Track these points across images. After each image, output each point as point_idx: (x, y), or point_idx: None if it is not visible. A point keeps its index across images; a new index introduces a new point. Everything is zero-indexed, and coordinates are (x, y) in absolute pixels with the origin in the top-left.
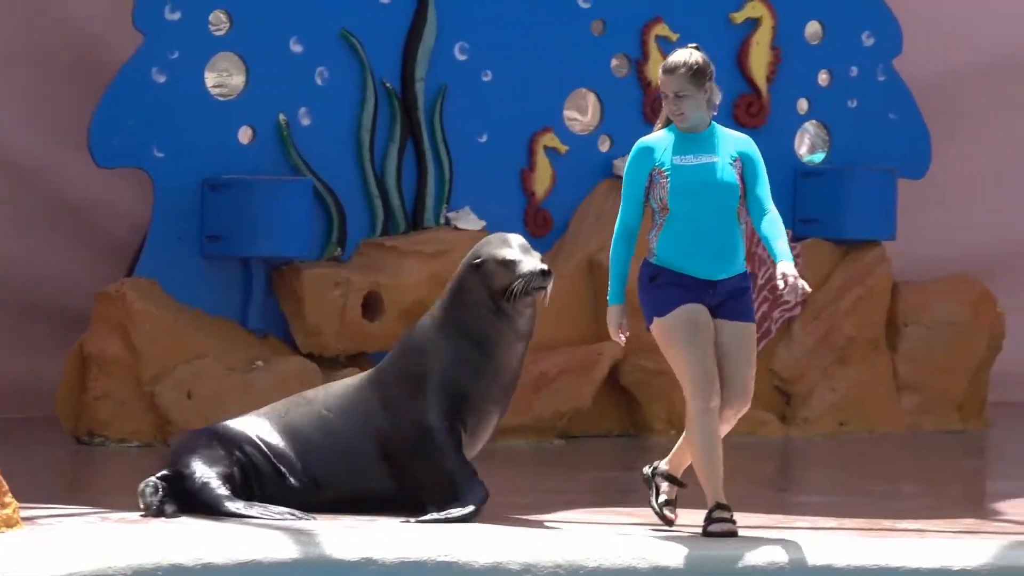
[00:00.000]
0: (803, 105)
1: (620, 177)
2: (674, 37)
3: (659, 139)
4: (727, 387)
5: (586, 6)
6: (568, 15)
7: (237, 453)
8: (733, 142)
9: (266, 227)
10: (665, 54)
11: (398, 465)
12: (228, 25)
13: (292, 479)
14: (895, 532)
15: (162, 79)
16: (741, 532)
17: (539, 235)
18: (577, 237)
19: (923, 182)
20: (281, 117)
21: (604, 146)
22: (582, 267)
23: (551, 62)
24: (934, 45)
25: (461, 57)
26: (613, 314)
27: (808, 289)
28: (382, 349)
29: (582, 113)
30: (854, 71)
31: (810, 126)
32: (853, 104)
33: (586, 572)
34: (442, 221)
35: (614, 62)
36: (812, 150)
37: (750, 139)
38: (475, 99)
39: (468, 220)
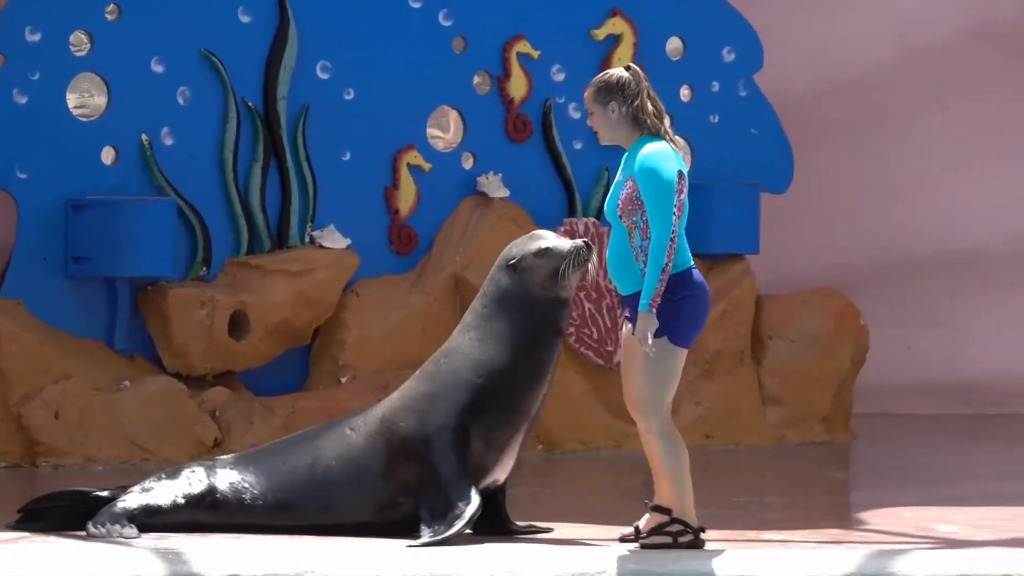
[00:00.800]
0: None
1: (483, 194)
2: (535, 54)
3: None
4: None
5: (447, 24)
6: (429, 33)
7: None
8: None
9: (131, 247)
10: (526, 71)
11: (402, 474)
12: (89, 46)
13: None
14: (760, 543)
15: (23, 100)
16: (605, 545)
17: (404, 253)
18: (443, 254)
19: (786, 196)
20: (144, 137)
21: (468, 163)
22: (448, 283)
23: (413, 80)
24: (795, 61)
25: (323, 76)
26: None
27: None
28: (249, 366)
29: (445, 131)
30: (715, 86)
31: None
32: (715, 119)
33: None
34: (307, 239)
35: (476, 79)
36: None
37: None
38: (338, 117)
39: (333, 238)
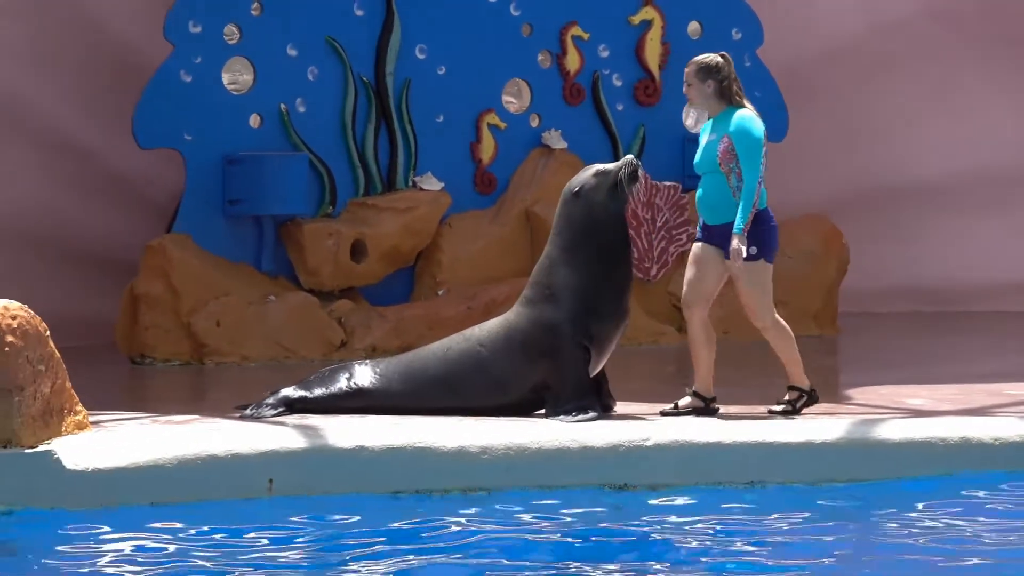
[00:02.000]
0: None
1: (547, 146)
2: (586, 36)
3: None
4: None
5: (516, 14)
6: (503, 21)
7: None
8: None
9: (273, 192)
10: (579, 49)
11: (529, 370)
12: (239, 36)
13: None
14: (769, 416)
15: (188, 79)
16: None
17: (486, 193)
18: (516, 194)
19: (783, 144)
20: (282, 106)
21: (534, 122)
22: (521, 217)
23: (491, 58)
24: (788, 36)
25: (421, 56)
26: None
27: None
28: (367, 283)
29: (516, 97)
30: None
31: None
32: None
33: (530, 452)
34: (410, 184)
35: (540, 57)
36: (696, 123)
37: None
38: (433, 88)
39: (430, 182)
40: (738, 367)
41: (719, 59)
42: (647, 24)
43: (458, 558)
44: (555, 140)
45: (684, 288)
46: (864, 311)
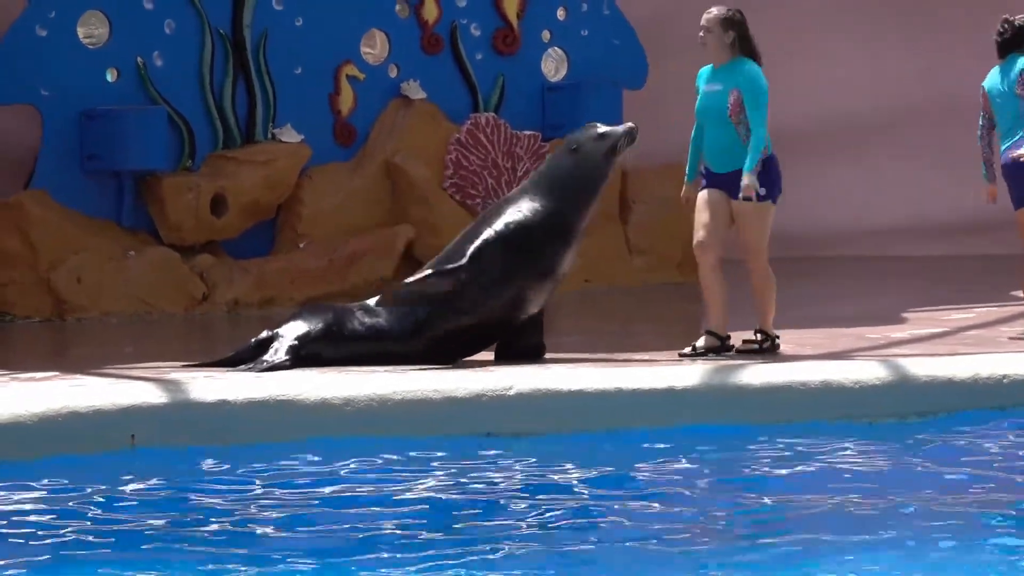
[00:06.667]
0: (546, 35)
1: (406, 97)
2: None
3: None
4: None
5: None
6: None
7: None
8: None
9: (131, 146)
10: (438, 0)
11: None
12: None
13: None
14: (631, 362)
15: (44, 33)
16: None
17: (346, 144)
18: (376, 145)
19: (644, 92)
20: (139, 60)
21: (393, 73)
22: (381, 168)
23: (349, 9)
24: None
25: (278, 7)
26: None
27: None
28: (228, 237)
29: (374, 48)
30: (584, 7)
31: (553, 51)
32: (585, 33)
33: (393, 403)
34: (269, 136)
35: (397, 7)
36: (555, 70)
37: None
38: (290, 40)
39: (290, 135)
40: (600, 317)
41: (738, 15)
42: None
43: (317, 509)
44: (414, 90)
45: (698, 232)
46: (725, 258)
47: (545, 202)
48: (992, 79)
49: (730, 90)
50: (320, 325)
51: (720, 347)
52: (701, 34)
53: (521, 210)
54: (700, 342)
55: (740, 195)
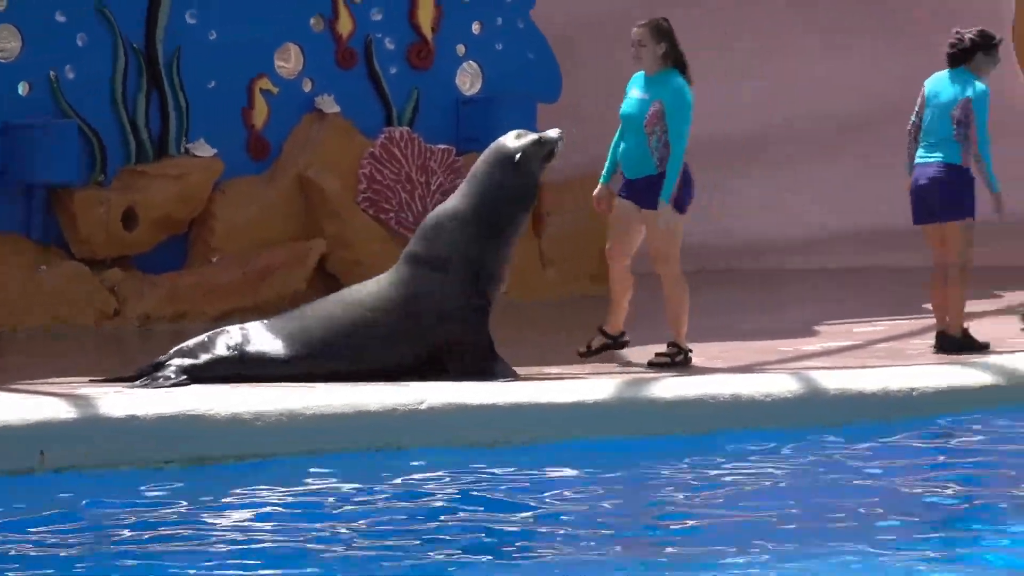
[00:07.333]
0: (461, 49)
1: (320, 111)
2: (358, 0)
3: None
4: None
5: None
6: None
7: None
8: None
9: (43, 160)
10: (351, 13)
11: (427, 337)
12: (5, 3)
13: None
14: (544, 376)
15: None
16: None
17: (259, 158)
18: (289, 159)
19: (560, 105)
20: (52, 73)
21: (307, 87)
22: (295, 182)
23: (263, 22)
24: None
25: (192, 21)
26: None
27: None
28: (139, 251)
29: (288, 62)
30: (499, 21)
31: (467, 65)
32: (500, 47)
33: (304, 418)
34: (182, 150)
35: (312, 20)
36: (470, 84)
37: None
38: (204, 54)
39: (203, 149)
40: (518, 327)
41: (666, 21)
42: None
43: (230, 526)
44: (328, 105)
45: (608, 240)
46: (638, 271)
47: (492, 212)
48: (936, 85)
49: (653, 101)
50: (224, 344)
51: (612, 344)
52: (633, 48)
53: (479, 224)
54: (595, 342)
55: (659, 223)
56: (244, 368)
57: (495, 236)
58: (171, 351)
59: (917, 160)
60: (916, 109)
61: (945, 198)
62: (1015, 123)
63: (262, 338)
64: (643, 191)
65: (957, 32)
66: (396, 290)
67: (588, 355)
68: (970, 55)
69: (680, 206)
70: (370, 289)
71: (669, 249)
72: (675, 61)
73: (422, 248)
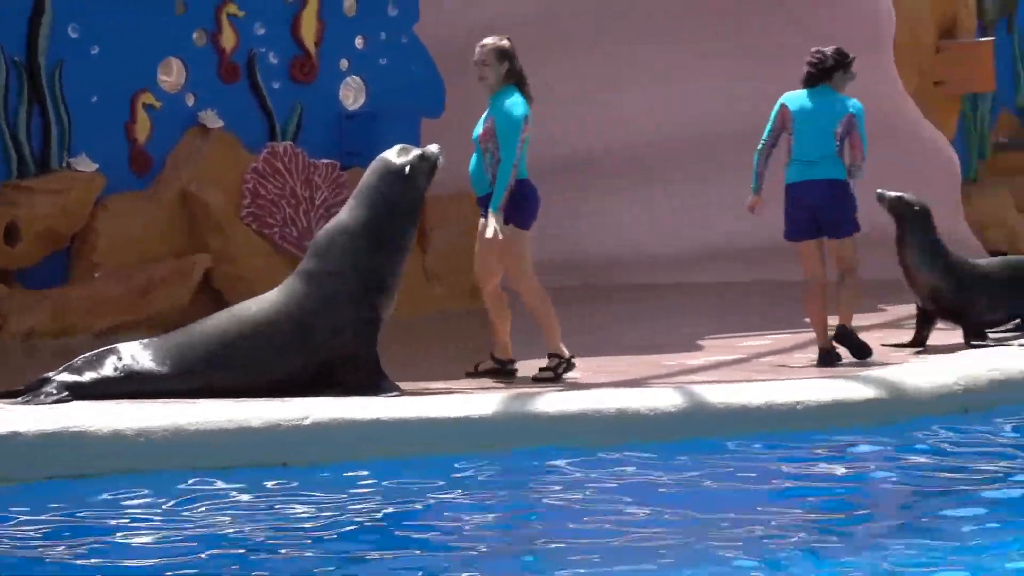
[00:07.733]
0: (344, 64)
1: (203, 125)
2: (241, 14)
3: None
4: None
5: None
6: None
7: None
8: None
9: None
10: (235, 28)
11: (320, 351)
12: None
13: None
14: (430, 391)
15: None
16: (314, 399)
17: (142, 173)
18: (172, 174)
19: (444, 120)
20: None
21: (190, 102)
22: (178, 196)
23: (145, 37)
24: (446, 12)
25: (74, 35)
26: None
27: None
28: (22, 266)
29: (171, 76)
30: (383, 36)
31: (351, 80)
32: (384, 62)
33: (188, 433)
34: (64, 165)
35: (195, 35)
36: (354, 99)
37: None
38: (86, 68)
39: (85, 163)
40: (403, 342)
41: (510, 45)
42: (302, 2)
43: (110, 543)
44: (211, 119)
45: (475, 264)
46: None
47: (381, 226)
48: (800, 102)
49: (487, 118)
50: (111, 364)
51: (500, 370)
52: (478, 69)
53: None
54: (483, 365)
55: (487, 231)
56: (133, 386)
57: (385, 249)
58: (60, 368)
59: (795, 179)
60: (770, 128)
61: (841, 215)
62: (903, 130)
63: (151, 356)
64: (486, 209)
65: (817, 51)
66: (288, 305)
67: (475, 376)
68: (831, 73)
69: (522, 223)
70: (261, 304)
71: (519, 266)
72: (514, 78)
73: (314, 264)
